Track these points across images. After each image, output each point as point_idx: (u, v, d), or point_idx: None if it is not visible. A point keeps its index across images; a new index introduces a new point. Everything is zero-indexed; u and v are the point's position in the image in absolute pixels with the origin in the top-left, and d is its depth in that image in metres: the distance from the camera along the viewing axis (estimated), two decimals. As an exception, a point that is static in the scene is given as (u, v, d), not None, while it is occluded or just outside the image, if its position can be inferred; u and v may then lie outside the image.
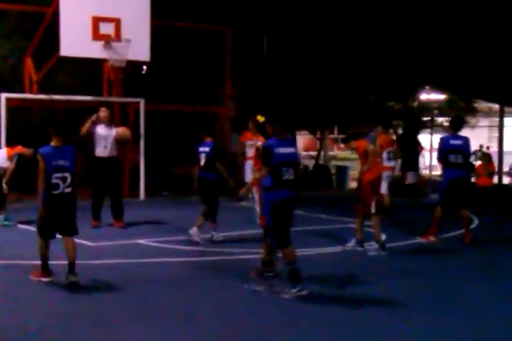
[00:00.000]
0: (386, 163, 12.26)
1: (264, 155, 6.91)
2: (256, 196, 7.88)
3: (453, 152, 10.13)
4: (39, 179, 7.15)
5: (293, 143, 7.38)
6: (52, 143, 7.31)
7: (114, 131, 11.47)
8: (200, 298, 6.89)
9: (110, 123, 11.64)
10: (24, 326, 5.85)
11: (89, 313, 6.28)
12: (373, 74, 20.17)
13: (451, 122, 10.83)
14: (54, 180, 7.11)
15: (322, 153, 25.26)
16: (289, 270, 6.98)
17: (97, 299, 6.84)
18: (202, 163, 10.19)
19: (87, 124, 11.32)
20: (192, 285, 7.52)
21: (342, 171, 21.67)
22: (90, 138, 11.36)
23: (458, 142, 10.20)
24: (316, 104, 20.55)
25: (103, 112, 11.46)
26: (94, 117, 11.40)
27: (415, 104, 23.04)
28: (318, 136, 25.26)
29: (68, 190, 7.23)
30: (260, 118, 7.85)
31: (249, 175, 15.30)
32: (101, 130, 11.36)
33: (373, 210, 9.41)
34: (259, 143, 7.70)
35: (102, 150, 11.35)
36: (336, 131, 30.65)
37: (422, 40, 19.64)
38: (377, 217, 9.46)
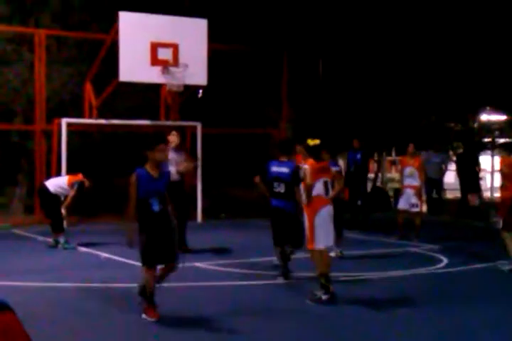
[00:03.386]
0: (409, 181, 12.95)
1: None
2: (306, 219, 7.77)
3: None
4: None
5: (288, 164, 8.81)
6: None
7: (183, 156, 11.47)
8: (260, 324, 6.79)
9: (179, 147, 11.63)
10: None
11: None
12: (432, 96, 19.92)
13: None
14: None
15: (379, 175, 24.96)
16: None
17: (146, 324, 6.80)
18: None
19: None
20: (250, 309, 7.42)
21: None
22: None
23: None
24: (373, 126, 20.38)
25: (173, 136, 11.46)
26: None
27: (475, 125, 22.63)
28: (375, 158, 25.00)
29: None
30: (311, 142, 7.85)
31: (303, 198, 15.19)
32: (171, 154, 11.36)
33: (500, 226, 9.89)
34: (306, 167, 7.73)
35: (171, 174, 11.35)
36: (393, 153, 30.31)
37: (482, 60, 19.33)
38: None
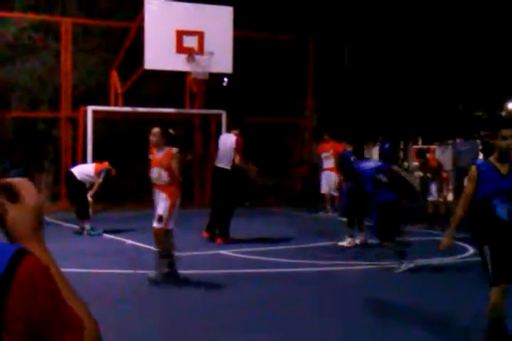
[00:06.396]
0: None
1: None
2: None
3: None
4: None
5: None
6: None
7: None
8: (278, 313, 6.78)
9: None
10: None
11: (164, 326, 6.26)
12: (460, 84, 19.71)
13: None
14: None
15: (406, 164, 24.79)
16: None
17: (172, 311, 6.82)
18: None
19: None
20: (271, 297, 7.42)
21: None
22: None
23: None
24: (399, 115, 20.23)
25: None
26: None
27: (503, 113, 22.36)
28: (401, 146, 24.84)
29: None
30: (172, 131, 8.20)
31: (325, 187, 15.23)
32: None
33: None
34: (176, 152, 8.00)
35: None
36: (420, 142, 30.16)
37: (510, 49, 19.07)
38: None
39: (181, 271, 8.63)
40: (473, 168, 5.31)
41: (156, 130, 8.01)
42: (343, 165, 11.31)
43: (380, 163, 9.85)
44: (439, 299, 7.29)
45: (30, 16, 16.70)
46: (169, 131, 8.08)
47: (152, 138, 8.03)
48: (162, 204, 7.83)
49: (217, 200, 11.55)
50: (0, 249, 1.13)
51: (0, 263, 1.09)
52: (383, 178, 9.21)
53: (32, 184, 1.38)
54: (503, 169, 5.17)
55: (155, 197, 7.98)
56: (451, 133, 20.01)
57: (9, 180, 1.35)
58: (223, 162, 11.33)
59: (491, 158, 5.27)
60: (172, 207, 7.84)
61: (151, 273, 7.91)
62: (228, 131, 11.85)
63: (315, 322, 6.35)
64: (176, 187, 7.96)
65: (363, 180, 9.42)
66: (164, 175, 7.91)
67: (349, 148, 11.56)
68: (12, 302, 1.07)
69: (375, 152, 19.91)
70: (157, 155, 8.02)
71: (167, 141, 8.00)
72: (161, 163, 7.93)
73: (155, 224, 7.88)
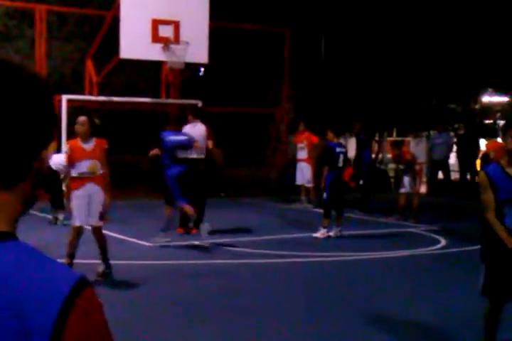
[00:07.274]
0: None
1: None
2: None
3: None
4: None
5: None
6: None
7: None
8: (246, 298, 6.82)
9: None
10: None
11: (144, 315, 6.28)
12: (434, 77, 19.85)
13: None
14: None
15: (380, 156, 24.92)
16: None
17: (152, 299, 6.84)
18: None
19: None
20: (245, 286, 7.46)
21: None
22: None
23: None
24: (374, 106, 20.33)
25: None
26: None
27: (477, 106, 22.56)
28: (376, 138, 24.96)
29: None
30: (97, 121, 7.95)
31: (300, 178, 15.32)
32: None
33: None
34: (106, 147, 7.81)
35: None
36: (394, 134, 30.32)
37: (484, 41, 19.23)
38: None
39: (155, 262, 8.66)
40: (482, 174, 4.71)
41: (83, 119, 7.61)
42: (327, 157, 11.17)
43: (182, 138, 10.08)
44: (409, 288, 7.38)
45: (5, 3, 16.51)
46: (94, 120, 7.75)
47: (80, 128, 7.59)
48: (99, 199, 7.54)
49: (194, 191, 11.48)
50: (61, 274, 1.13)
51: (59, 293, 1.09)
52: (181, 154, 9.79)
53: None
54: None
55: (84, 192, 7.52)
56: (426, 126, 20.18)
57: None
58: (196, 152, 11.30)
59: (502, 162, 4.67)
60: (108, 200, 7.60)
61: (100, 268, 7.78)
62: (188, 122, 11.66)
63: (288, 312, 6.40)
64: (106, 179, 7.67)
65: (163, 150, 9.86)
66: (99, 167, 7.61)
67: (335, 140, 11.45)
68: (69, 334, 1.09)
69: (351, 142, 20.01)
70: (86, 146, 7.59)
71: (93, 130, 7.63)
72: (94, 154, 7.58)
73: (96, 223, 7.61)
